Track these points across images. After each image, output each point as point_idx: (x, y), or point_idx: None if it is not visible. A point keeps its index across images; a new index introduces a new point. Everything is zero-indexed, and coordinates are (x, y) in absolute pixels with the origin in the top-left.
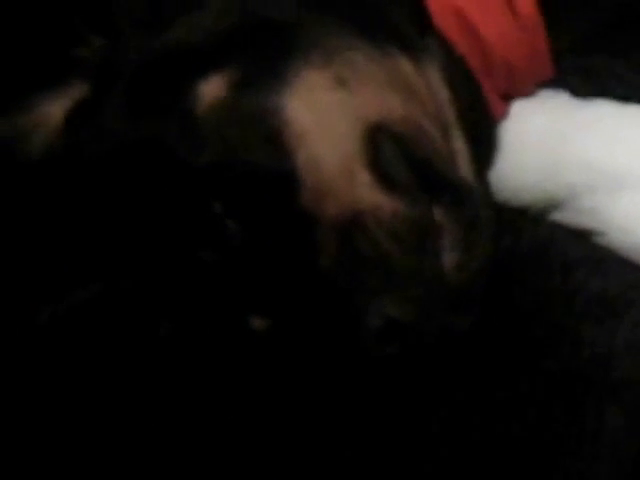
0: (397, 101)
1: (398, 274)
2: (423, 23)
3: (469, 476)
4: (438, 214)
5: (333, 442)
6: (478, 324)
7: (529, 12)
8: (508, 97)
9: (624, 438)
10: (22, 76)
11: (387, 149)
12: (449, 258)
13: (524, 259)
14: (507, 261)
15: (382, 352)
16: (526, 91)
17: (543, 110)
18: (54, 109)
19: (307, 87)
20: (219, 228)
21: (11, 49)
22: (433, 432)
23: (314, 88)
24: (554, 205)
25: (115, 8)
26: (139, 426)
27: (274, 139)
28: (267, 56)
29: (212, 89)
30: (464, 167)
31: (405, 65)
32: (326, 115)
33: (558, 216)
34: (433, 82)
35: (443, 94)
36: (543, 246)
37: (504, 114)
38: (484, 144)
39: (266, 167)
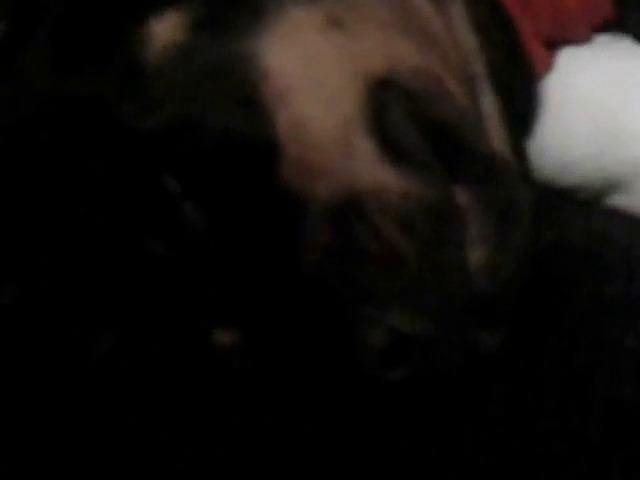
0: (408, 48)
1: (408, 275)
2: None
3: None
4: (461, 196)
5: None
6: (512, 342)
7: None
8: (554, 44)
9: None
10: None
11: (395, 110)
12: (475, 255)
13: (573, 257)
14: (551, 260)
15: (386, 377)
16: (578, 36)
17: (599, 61)
18: None
19: (292, 29)
20: (173, 212)
21: None
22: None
23: (301, 30)
24: (612, 186)
25: None
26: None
27: (248, 96)
28: None
29: (166, 30)
30: (495, 134)
31: (420, 2)
32: (316, 65)
33: (617, 201)
34: (456, 24)
35: (469, 39)
36: (598, 240)
37: (549, 66)
38: (521, 105)
39: (237, 133)
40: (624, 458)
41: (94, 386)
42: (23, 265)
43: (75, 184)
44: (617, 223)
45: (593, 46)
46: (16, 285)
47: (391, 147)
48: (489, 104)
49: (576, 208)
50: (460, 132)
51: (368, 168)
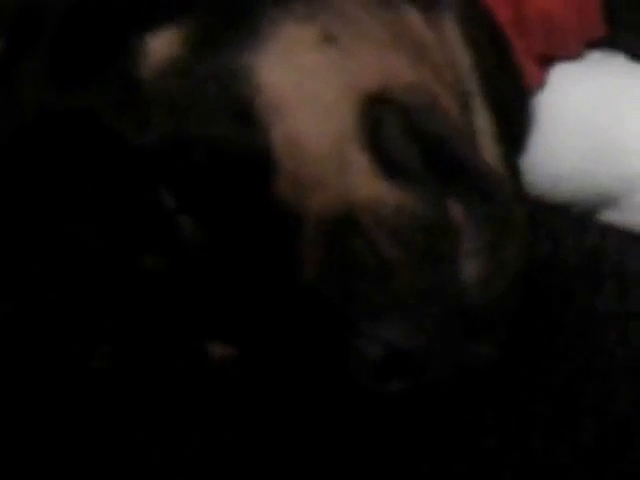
0: (403, 64)
1: (403, 289)
2: None
3: None
4: (455, 210)
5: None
6: (507, 356)
7: None
8: (546, 61)
9: None
10: None
11: (389, 125)
12: (470, 268)
13: (567, 272)
14: (545, 274)
15: (382, 390)
16: (571, 53)
17: (591, 77)
18: None
19: (286, 45)
20: (169, 226)
21: None
22: None
23: (295, 46)
24: (604, 202)
25: None
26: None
27: (243, 110)
28: (235, 5)
29: (163, 46)
30: (488, 149)
31: (413, 18)
32: (311, 80)
33: (610, 216)
34: (450, 40)
35: (462, 56)
36: (592, 255)
37: (542, 82)
38: (514, 121)
39: (232, 148)
40: (617, 470)
41: (90, 398)
42: (19, 281)
43: (71, 199)
44: (609, 238)
45: (585, 63)
46: (13, 301)
47: (385, 161)
48: (482, 120)
49: (569, 223)
50: (454, 147)
51: (363, 182)
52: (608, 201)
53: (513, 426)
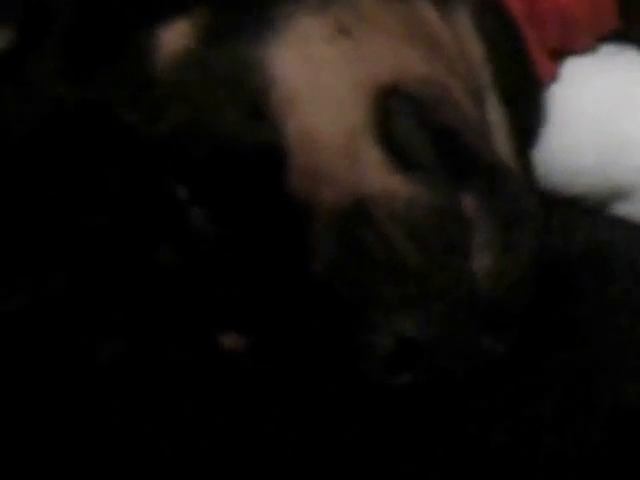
0: (416, 57)
1: (415, 281)
2: None
3: None
4: (467, 204)
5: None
6: (519, 348)
7: None
8: (560, 54)
9: None
10: None
11: (402, 118)
12: (482, 261)
13: (578, 265)
14: (556, 267)
15: (393, 382)
16: (584, 46)
17: (605, 71)
18: None
19: (300, 37)
20: (182, 218)
21: None
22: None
23: (309, 39)
24: (617, 195)
25: None
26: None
27: (257, 104)
28: None
29: (176, 38)
30: (501, 143)
31: (426, 11)
32: (324, 74)
33: (623, 209)
34: (463, 33)
35: (476, 49)
36: (603, 248)
37: (554, 76)
38: (527, 114)
39: (245, 140)
40: (629, 462)
41: (100, 391)
42: (32, 272)
43: (85, 191)
44: (620, 231)
45: (598, 56)
46: (26, 292)
47: (398, 154)
48: (495, 113)
49: (580, 216)
50: (467, 140)
51: (375, 175)
52: (620, 194)
53: (523, 420)
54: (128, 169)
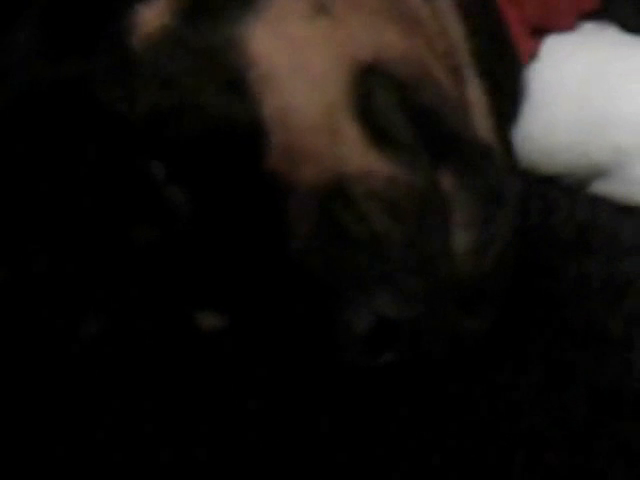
0: (395, 35)
1: (393, 260)
2: None
3: None
4: (446, 182)
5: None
6: (498, 327)
7: None
8: (540, 32)
9: None
10: None
11: (381, 96)
12: (461, 240)
13: (558, 243)
14: (535, 246)
15: (372, 362)
16: (564, 25)
17: (585, 49)
18: None
19: (279, 15)
20: (159, 197)
21: None
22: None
23: (287, 17)
24: (597, 173)
25: None
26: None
27: (234, 81)
28: None
29: (155, 16)
30: (480, 121)
31: None
32: (302, 51)
33: (602, 187)
34: (442, 11)
35: (455, 27)
36: (582, 227)
37: (534, 54)
38: (507, 93)
39: (223, 118)
40: (607, 444)
41: (81, 368)
42: (10, 249)
43: (60, 168)
44: (600, 209)
45: (578, 34)
46: (5, 267)
47: (377, 133)
48: (475, 92)
49: (561, 195)
50: (445, 118)
51: (354, 153)
52: (599, 173)
53: (502, 399)
54: (105, 147)
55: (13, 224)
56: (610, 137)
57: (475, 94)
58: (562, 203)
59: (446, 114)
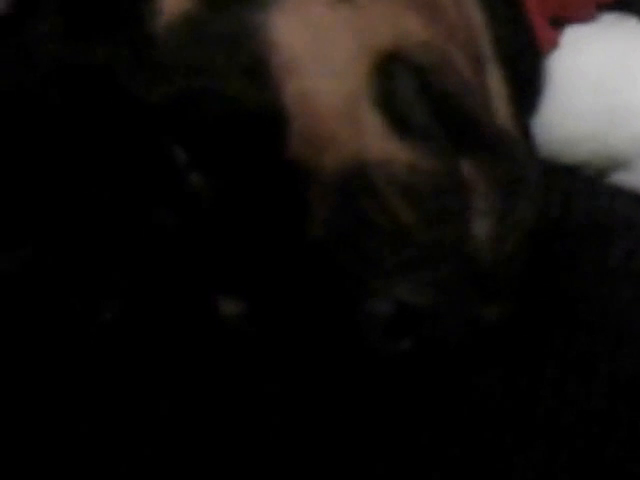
0: (416, 23)
1: (414, 247)
2: None
3: None
4: (467, 170)
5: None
6: (517, 316)
7: None
8: (560, 22)
9: None
10: None
11: (402, 84)
12: (481, 228)
13: (578, 233)
14: (555, 235)
15: (391, 348)
16: (584, 15)
17: (604, 40)
18: None
19: (300, 2)
20: (180, 182)
21: None
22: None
23: (309, 3)
24: (617, 163)
25: None
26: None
27: (256, 68)
28: None
29: (177, 2)
30: (501, 110)
31: None
32: (324, 38)
33: (622, 177)
34: (464, 1)
35: (476, 16)
36: (602, 216)
37: (554, 44)
38: (527, 82)
39: (244, 104)
40: (625, 433)
41: (97, 353)
42: (31, 233)
43: (83, 152)
44: (620, 199)
45: (598, 25)
46: (24, 252)
47: (398, 120)
48: (495, 81)
49: (581, 185)
50: (467, 106)
51: (375, 140)
52: (620, 163)
53: (521, 388)
54: (127, 133)
55: (32, 207)
56: (630, 127)
57: (495, 83)
58: (582, 193)
59: (467, 102)
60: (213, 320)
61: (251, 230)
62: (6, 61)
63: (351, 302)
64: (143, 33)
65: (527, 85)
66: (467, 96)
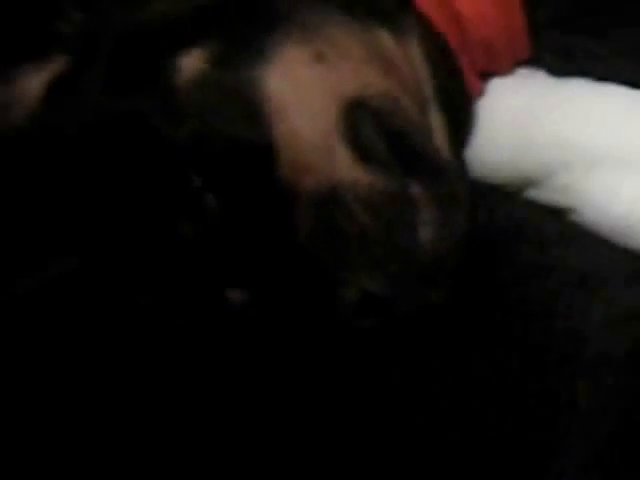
0: (376, 76)
1: (375, 248)
2: None
3: (441, 446)
4: (414, 188)
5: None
6: (455, 298)
7: None
8: (485, 75)
9: (598, 414)
10: (2, 49)
11: (365, 124)
12: (425, 232)
13: (499, 235)
14: (482, 237)
15: (360, 324)
16: (504, 69)
17: (519, 88)
18: (34, 82)
19: (287, 62)
20: (198, 201)
21: None
22: (408, 397)
23: (293, 63)
24: (529, 183)
25: None
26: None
27: (253, 113)
28: (248, 31)
29: (193, 62)
30: (441, 142)
31: (385, 39)
32: (305, 90)
33: (533, 194)
34: (413, 56)
35: (422, 70)
36: (518, 222)
37: (481, 92)
38: (461, 121)
39: (245, 140)
40: (536, 385)
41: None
42: (86, 242)
43: (124, 180)
44: (532, 210)
45: (515, 77)
46: (79, 257)
47: (362, 152)
48: (436, 120)
49: (501, 198)
50: (414, 141)
51: (344, 167)
52: (531, 183)
53: (456, 352)
54: (157, 164)
55: (87, 226)
56: (538, 155)
57: (437, 121)
58: (503, 205)
59: (414, 137)
60: (222, 310)
61: (252, 237)
62: (63, 109)
63: (329, 290)
64: (168, 86)
65: (461, 123)
66: (414, 132)
